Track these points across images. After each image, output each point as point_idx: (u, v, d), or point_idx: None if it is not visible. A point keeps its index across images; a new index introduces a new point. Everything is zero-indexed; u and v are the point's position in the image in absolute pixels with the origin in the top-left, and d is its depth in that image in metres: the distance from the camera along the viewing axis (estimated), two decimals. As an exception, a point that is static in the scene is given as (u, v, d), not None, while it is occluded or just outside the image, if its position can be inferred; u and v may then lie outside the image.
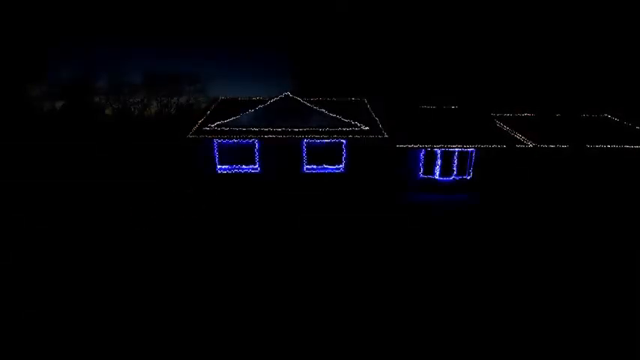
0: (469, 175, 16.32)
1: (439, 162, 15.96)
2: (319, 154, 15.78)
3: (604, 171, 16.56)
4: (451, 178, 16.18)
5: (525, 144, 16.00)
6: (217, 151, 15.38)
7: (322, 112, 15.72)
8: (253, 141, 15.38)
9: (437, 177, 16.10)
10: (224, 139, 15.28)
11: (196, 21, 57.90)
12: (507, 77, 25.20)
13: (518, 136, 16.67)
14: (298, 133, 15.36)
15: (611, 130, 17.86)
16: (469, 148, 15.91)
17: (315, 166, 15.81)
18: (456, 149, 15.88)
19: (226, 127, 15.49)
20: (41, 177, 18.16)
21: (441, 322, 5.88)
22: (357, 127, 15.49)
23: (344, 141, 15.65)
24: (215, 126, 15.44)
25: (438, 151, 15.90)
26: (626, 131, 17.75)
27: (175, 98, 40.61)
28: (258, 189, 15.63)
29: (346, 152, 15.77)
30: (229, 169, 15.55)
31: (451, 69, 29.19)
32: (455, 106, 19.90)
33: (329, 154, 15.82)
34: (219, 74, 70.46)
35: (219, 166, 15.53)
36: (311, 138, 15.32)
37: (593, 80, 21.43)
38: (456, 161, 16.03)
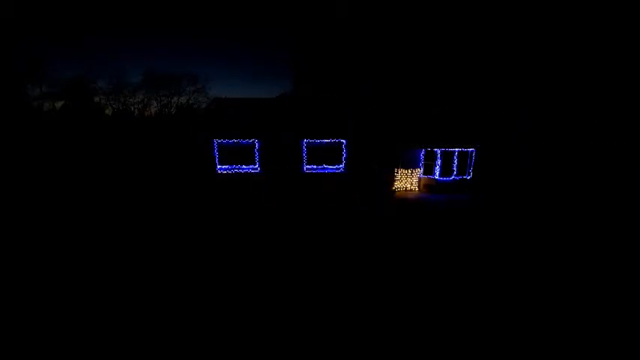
0: (469, 175, 16.33)
1: (439, 162, 15.97)
2: (319, 154, 15.77)
3: (604, 170, 16.57)
4: (451, 178, 16.18)
5: (525, 144, 16.01)
6: (217, 151, 15.37)
7: None
8: (253, 141, 15.37)
9: (437, 177, 16.11)
10: (224, 139, 15.26)
11: (197, 20, 57.90)
12: (507, 77, 25.19)
13: (518, 135, 16.69)
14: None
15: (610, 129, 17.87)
16: (469, 148, 15.92)
17: (315, 166, 15.80)
18: (456, 149, 15.89)
19: (226, 127, 15.50)
20: (41, 177, 18.16)
21: (440, 322, 5.88)
22: None
23: (344, 141, 15.65)
24: (215, 126, 15.44)
25: (438, 151, 15.90)
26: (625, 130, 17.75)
27: (175, 98, 40.66)
28: (258, 189, 15.62)
29: (346, 152, 15.77)
30: (229, 169, 15.55)
31: (451, 69, 29.21)
32: (455, 106, 19.90)
33: (329, 154, 15.81)
34: (220, 74, 70.55)
35: (219, 166, 15.52)
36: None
37: (592, 79, 21.43)
38: (455, 161, 16.03)
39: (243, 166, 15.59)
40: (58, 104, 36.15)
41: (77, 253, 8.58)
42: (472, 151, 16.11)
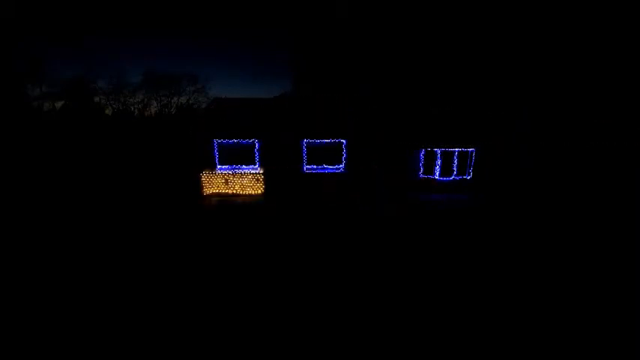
0: (469, 175, 16.33)
1: (439, 162, 15.97)
2: (319, 154, 15.78)
3: (603, 170, 16.56)
4: (451, 178, 16.19)
5: (525, 144, 16.01)
6: (217, 151, 15.38)
7: None
8: (253, 141, 15.38)
9: (436, 177, 16.11)
10: (224, 139, 15.27)
11: (197, 20, 57.92)
12: (506, 77, 25.22)
13: (518, 135, 16.69)
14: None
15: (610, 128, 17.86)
16: (469, 148, 15.93)
17: (315, 166, 15.81)
18: (456, 149, 15.89)
19: (226, 127, 15.51)
20: (41, 177, 18.16)
21: (440, 322, 5.88)
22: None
23: (344, 141, 15.66)
24: (215, 126, 15.45)
25: (438, 151, 15.91)
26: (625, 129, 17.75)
27: (175, 98, 40.69)
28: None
29: (346, 152, 15.77)
30: (229, 169, 15.55)
31: (451, 69, 29.23)
32: (455, 106, 19.90)
33: (329, 154, 15.82)
34: (220, 74, 70.61)
35: (219, 166, 15.53)
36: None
37: (592, 79, 21.46)
38: (455, 161, 16.04)
39: (243, 166, 15.60)
40: (58, 104, 36.21)
41: (77, 253, 8.58)
42: (472, 151, 16.11)
